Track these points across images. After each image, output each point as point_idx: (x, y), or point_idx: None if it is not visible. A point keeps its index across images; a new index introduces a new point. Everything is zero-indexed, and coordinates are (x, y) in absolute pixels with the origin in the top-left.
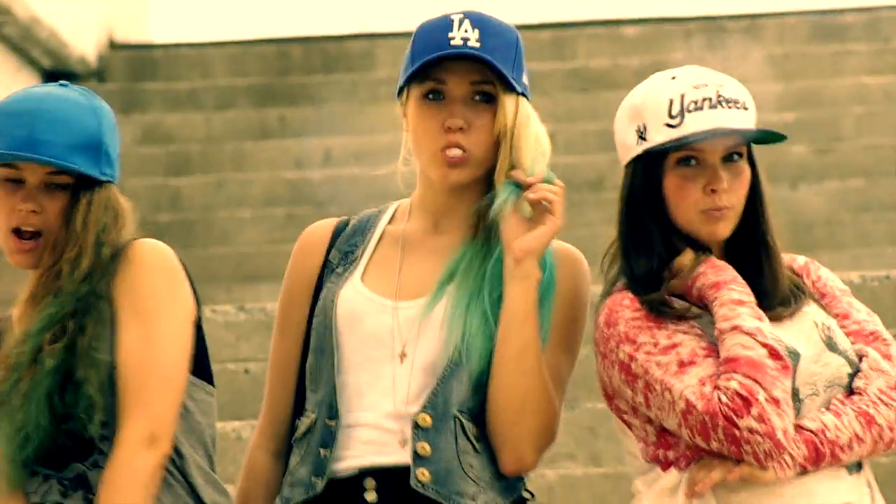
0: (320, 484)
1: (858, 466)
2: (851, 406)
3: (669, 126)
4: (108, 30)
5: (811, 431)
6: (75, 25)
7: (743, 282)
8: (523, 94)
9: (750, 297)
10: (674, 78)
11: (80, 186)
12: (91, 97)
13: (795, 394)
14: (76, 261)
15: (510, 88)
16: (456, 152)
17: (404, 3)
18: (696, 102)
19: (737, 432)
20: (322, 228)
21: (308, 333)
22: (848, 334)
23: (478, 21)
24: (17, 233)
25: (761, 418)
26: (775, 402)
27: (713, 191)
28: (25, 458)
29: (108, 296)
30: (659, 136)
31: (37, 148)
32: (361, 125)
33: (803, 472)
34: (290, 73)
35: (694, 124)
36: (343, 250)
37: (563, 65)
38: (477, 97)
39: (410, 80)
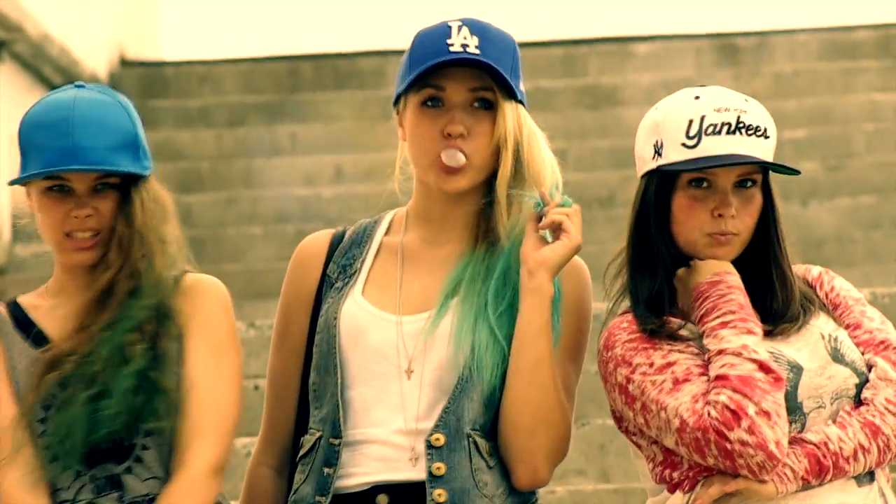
0: (325, 502)
1: (870, 477)
2: (857, 417)
3: (685, 146)
4: (119, 47)
5: (813, 444)
6: (86, 43)
7: (732, 297)
8: (521, 103)
9: (735, 314)
10: (697, 98)
11: (127, 183)
12: (113, 93)
13: (799, 407)
14: (148, 258)
15: (510, 95)
16: (458, 158)
17: (415, 19)
18: (715, 126)
19: (728, 446)
20: (318, 241)
21: (308, 349)
22: (859, 344)
23: (476, 28)
24: (69, 236)
25: (751, 430)
26: (766, 414)
27: (720, 215)
28: (88, 446)
29: (173, 316)
30: (674, 154)
31: (82, 156)
32: (372, 142)
33: (808, 485)
34: (300, 89)
35: (710, 148)
36: (341, 264)
37: (574, 81)
38: (476, 104)
39: (409, 88)
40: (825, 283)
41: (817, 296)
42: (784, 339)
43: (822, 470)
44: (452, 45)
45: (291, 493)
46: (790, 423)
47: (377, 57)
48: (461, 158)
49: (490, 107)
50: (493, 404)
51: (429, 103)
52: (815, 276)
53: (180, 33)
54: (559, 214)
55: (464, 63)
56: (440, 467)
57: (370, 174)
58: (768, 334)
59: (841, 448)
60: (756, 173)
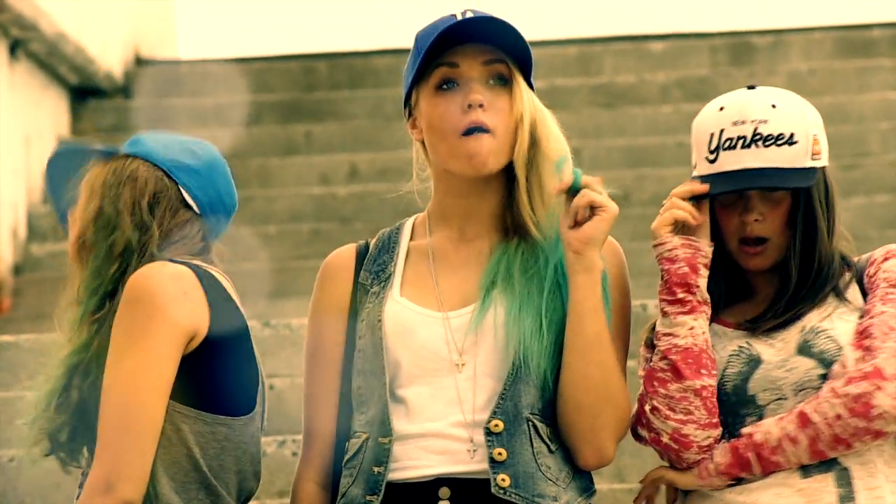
0: (376, 501)
1: (826, 466)
2: (797, 407)
3: (708, 160)
4: (134, 46)
5: (738, 436)
6: (102, 41)
7: (663, 275)
8: (531, 87)
9: (661, 295)
10: (722, 109)
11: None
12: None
13: (752, 400)
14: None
15: (524, 68)
16: (480, 136)
17: (431, 18)
18: (731, 140)
19: (643, 442)
20: (344, 254)
21: (343, 359)
22: (856, 333)
23: (483, 11)
24: None
25: (649, 426)
26: (655, 410)
27: (745, 221)
28: None
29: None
30: (702, 166)
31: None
32: (387, 141)
33: (741, 479)
34: (316, 88)
35: (726, 163)
36: (373, 270)
37: (589, 80)
38: (491, 81)
39: (420, 76)
40: (876, 263)
41: (870, 280)
42: (767, 335)
43: (743, 462)
44: (458, 17)
45: (340, 496)
46: (746, 416)
47: (392, 55)
48: (482, 136)
49: (506, 83)
50: (548, 389)
51: (444, 87)
52: (876, 257)
53: (195, 32)
54: (591, 192)
55: (475, 36)
56: (501, 452)
57: (385, 173)
58: (752, 330)
59: (766, 439)
60: (774, 189)
